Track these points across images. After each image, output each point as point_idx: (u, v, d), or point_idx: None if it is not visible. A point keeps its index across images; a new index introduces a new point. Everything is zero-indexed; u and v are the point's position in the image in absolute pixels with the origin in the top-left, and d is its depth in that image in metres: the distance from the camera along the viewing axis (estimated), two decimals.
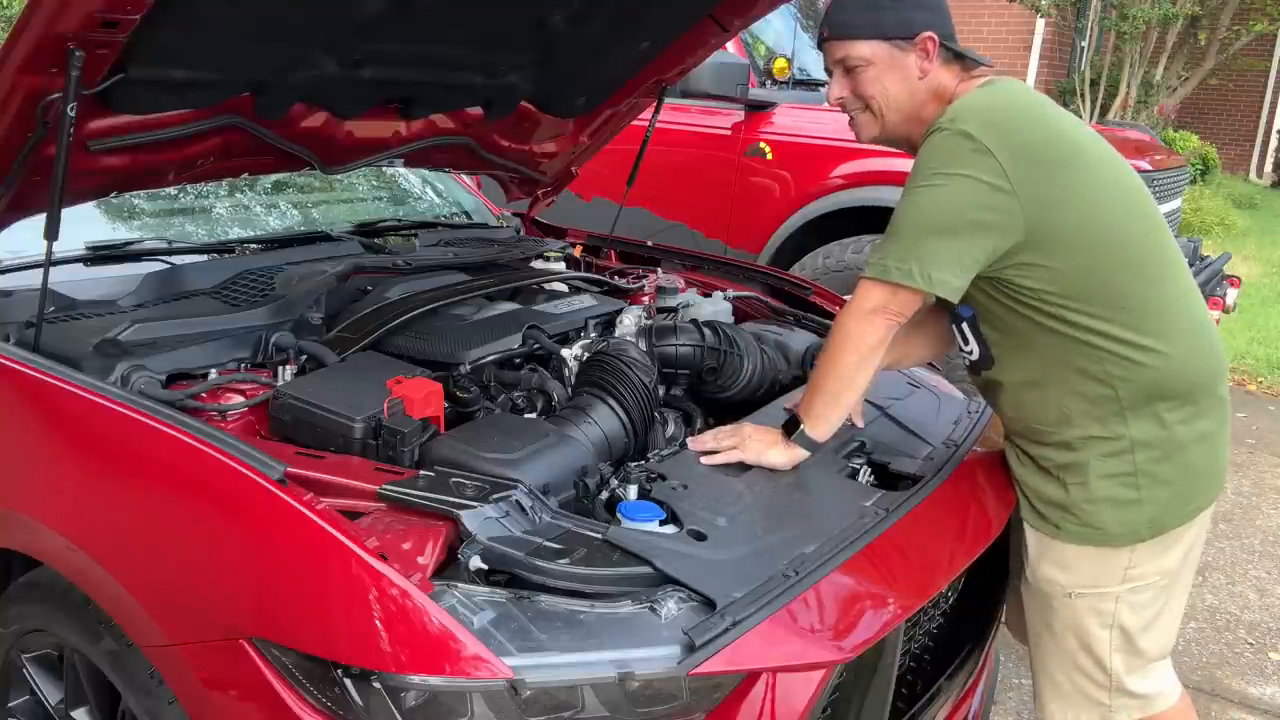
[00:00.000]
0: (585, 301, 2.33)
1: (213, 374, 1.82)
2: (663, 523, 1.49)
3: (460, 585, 1.30)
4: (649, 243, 3.07)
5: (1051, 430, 1.76)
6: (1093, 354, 1.67)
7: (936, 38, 1.71)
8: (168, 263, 2.21)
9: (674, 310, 2.46)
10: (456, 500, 1.40)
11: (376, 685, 1.23)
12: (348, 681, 1.25)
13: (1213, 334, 1.76)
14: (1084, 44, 11.50)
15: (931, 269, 1.60)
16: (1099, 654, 1.81)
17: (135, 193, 2.31)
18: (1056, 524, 1.78)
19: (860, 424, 1.93)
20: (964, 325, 1.80)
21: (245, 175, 2.33)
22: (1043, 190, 1.61)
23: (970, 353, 1.83)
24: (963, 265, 1.61)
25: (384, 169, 3.05)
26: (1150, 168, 4.56)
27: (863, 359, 1.68)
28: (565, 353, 2.06)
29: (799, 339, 2.31)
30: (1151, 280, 1.69)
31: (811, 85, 4.78)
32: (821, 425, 1.71)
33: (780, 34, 4.90)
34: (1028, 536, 1.85)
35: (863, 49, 1.72)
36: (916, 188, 1.63)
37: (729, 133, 4.56)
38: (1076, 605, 1.79)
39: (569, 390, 1.97)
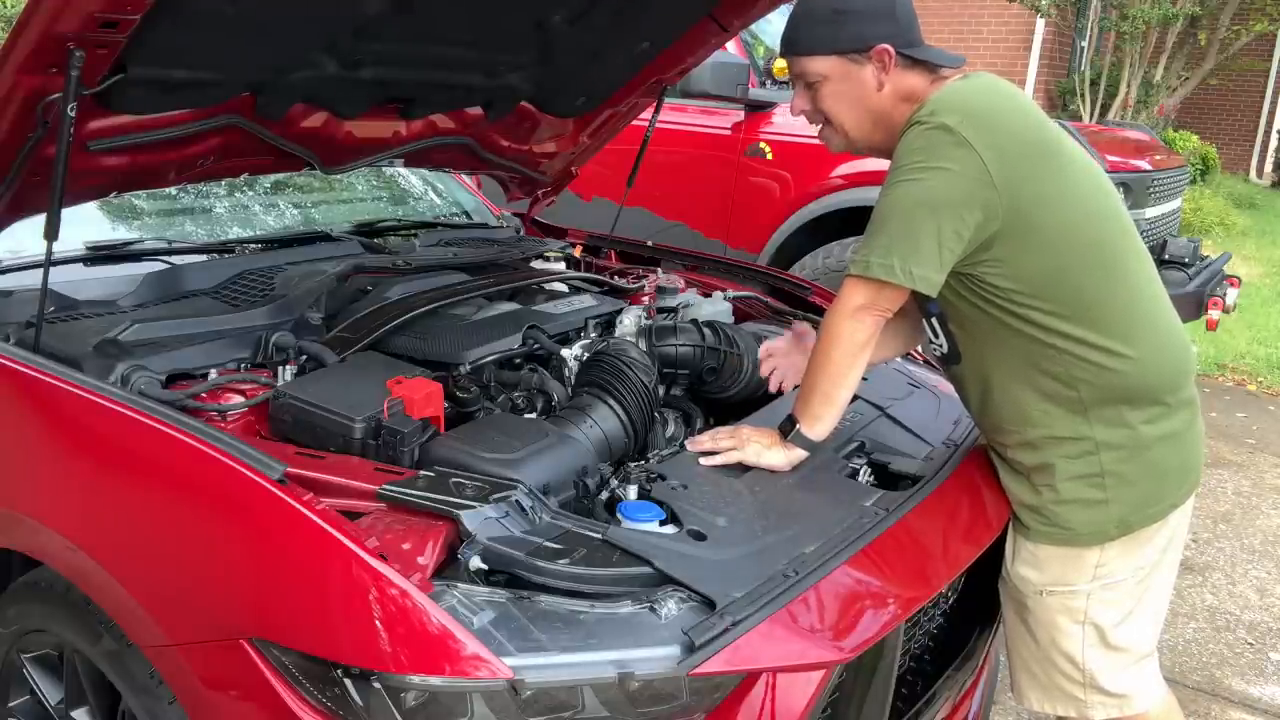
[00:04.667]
0: (585, 301, 2.33)
1: (213, 374, 1.82)
2: (663, 523, 1.49)
3: (460, 585, 1.30)
4: (649, 243, 3.07)
5: (1015, 430, 1.76)
6: (1056, 355, 1.68)
7: (892, 50, 1.69)
8: (168, 263, 2.21)
9: (674, 310, 2.46)
10: (456, 500, 1.40)
11: (376, 685, 1.23)
12: (348, 681, 1.25)
13: (1179, 336, 1.77)
14: (1084, 44, 11.50)
15: (913, 265, 1.60)
16: (1072, 651, 1.82)
17: (135, 193, 2.31)
18: (1026, 524, 1.79)
19: None
20: (933, 320, 1.81)
21: (245, 175, 2.33)
22: (1021, 184, 1.60)
23: (940, 346, 1.84)
24: (942, 260, 1.60)
25: (384, 169, 3.05)
26: (1150, 168, 4.56)
27: (853, 357, 1.68)
28: (565, 353, 2.06)
29: None
30: (1119, 281, 1.69)
31: None
32: (817, 425, 1.71)
33: (780, 34, 4.90)
34: (1007, 535, 1.86)
35: (818, 64, 1.72)
36: (896, 182, 1.63)
37: (729, 133, 4.56)
38: (1048, 603, 1.80)
39: (569, 390, 1.98)
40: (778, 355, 2.06)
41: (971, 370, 1.79)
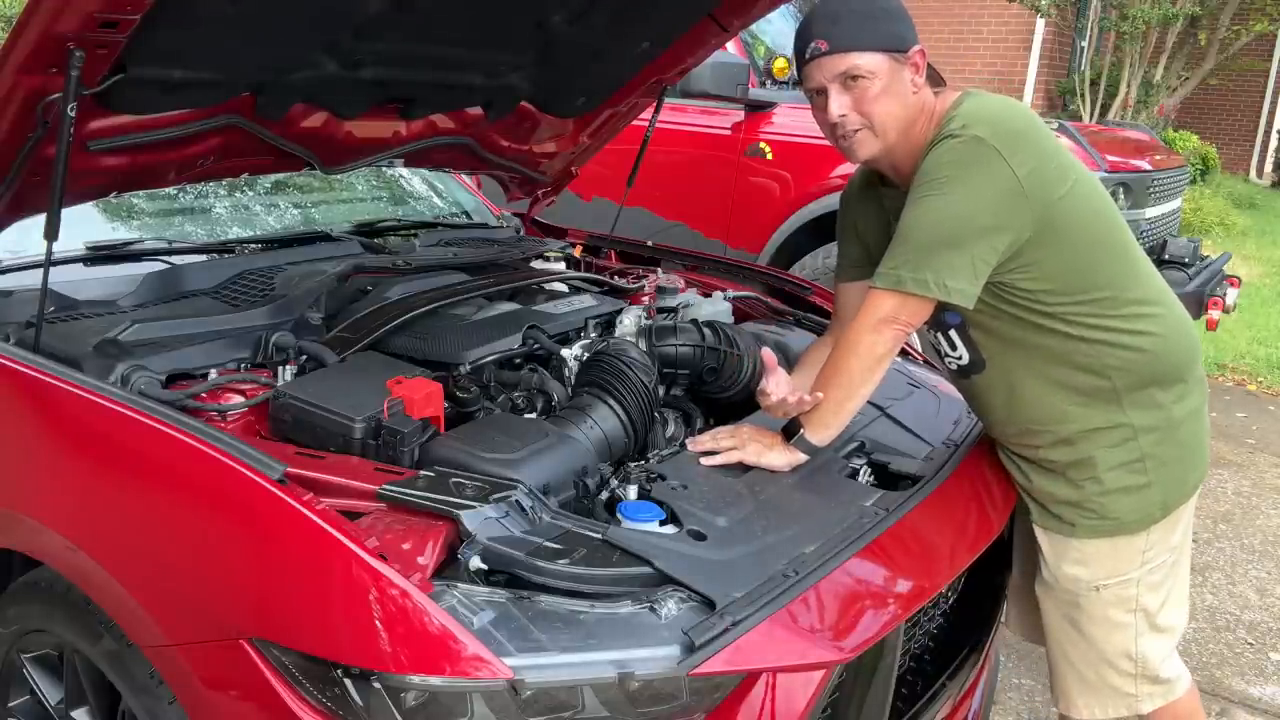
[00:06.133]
0: (585, 301, 2.33)
1: (213, 374, 1.82)
2: (663, 523, 1.49)
3: (460, 585, 1.30)
4: (649, 243, 3.07)
5: (1049, 430, 1.77)
6: (1089, 349, 1.70)
7: (925, 53, 1.70)
8: (168, 263, 2.21)
9: (674, 310, 2.46)
10: (456, 500, 1.40)
11: (376, 685, 1.23)
12: (348, 681, 1.25)
13: (1187, 317, 1.83)
14: (1084, 44, 11.49)
15: (947, 278, 1.60)
16: (1126, 643, 1.84)
17: (135, 193, 2.31)
18: (1071, 522, 1.80)
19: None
20: (951, 332, 1.80)
21: (245, 175, 2.33)
22: (1047, 190, 1.63)
23: (959, 358, 1.83)
24: (977, 272, 1.61)
25: (384, 169, 3.05)
26: (1150, 168, 4.56)
27: (869, 369, 1.68)
28: (565, 353, 2.06)
29: (799, 339, 2.30)
30: (1132, 270, 1.74)
31: None
32: (822, 432, 1.72)
33: (780, 34, 4.90)
34: (1040, 540, 1.86)
35: (868, 60, 1.65)
36: (927, 195, 1.62)
37: (729, 133, 4.56)
38: (1104, 597, 1.83)
39: (569, 390, 1.97)
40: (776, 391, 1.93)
41: (997, 377, 1.80)
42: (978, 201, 1.60)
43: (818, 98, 1.73)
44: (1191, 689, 1.94)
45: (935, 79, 1.76)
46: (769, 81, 4.57)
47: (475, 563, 1.33)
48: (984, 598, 1.99)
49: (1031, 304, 1.69)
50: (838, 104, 1.69)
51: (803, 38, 1.71)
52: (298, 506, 1.31)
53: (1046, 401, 1.75)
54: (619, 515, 1.50)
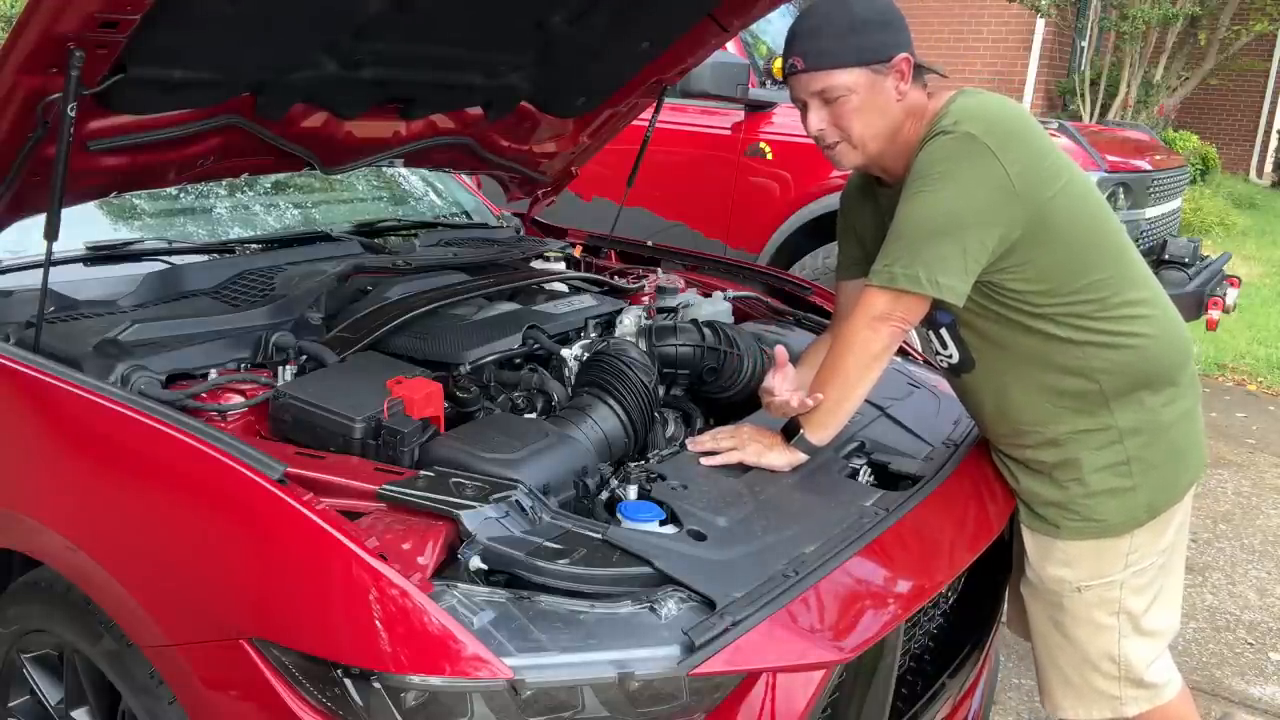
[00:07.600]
0: (585, 301, 2.33)
1: (213, 374, 1.82)
2: (663, 523, 1.49)
3: (460, 585, 1.30)
4: (649, 243, 3.07)
5: (1036, 430, 1.77)
6: (1078, 351, 1.70)
7: (911, 59, 1.69)
8: (168, 263, 2.21)
9: (674, 310, 2.46)
10: (456, 500, 1.40)
11: (376, 685, 1.23)
12: (348, 681, 1.25)
13: (1179, 317, 1.82)
14: (1084, 44, 11.49)
15: (939, 274, 1.60)
16: (1109, 646, 1.83)
17: (135, 193, 2.31)
18: (1056, 523, 1.80)
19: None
20: (942, 330, 1.80)
21: (245, 175, 2.33)
22: (1039, 189, 1.63)
23: (949, 356, 1.84)
24: (968, 268, 1.61)
25: (384, 169, 3.05)
26: (1150, 168, 4.56)
27: (865, 367, 1.68)
28: (565, 353, 2.06)
29: (799, 339, 2.31)
30: (1125, 270, 1.73)
31: None
32: (821, 431, 1.72)
33: (780, 34, 4.90)
34: (1026, 540, 1.86)
35: (844, 78, 1.65)
36: (920, 192, 1.62)
37: (729, 133, 4.56)
38: (1086, 598, 1.82)
39: (569, 390, 1.97)
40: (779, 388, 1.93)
41: (987, 377, 1.80)
42: (969, 198, 1.60)
43: (801, 108, 1.75)
44: (1183, 694, 1.92)
45: (929, 74, 1.74)
46: (769, 81, 4.57)
47: (475, 563, 1.33)
48: (984, 598, 1.99)
49: (1021, 305, 1.68)
50: (815, 119, 1.71)
51: (785, 51, 1.72)
52: (298, 506, 1.31)
53: (1034, 403, 1.75)
54: (619, 515, 1.50)
